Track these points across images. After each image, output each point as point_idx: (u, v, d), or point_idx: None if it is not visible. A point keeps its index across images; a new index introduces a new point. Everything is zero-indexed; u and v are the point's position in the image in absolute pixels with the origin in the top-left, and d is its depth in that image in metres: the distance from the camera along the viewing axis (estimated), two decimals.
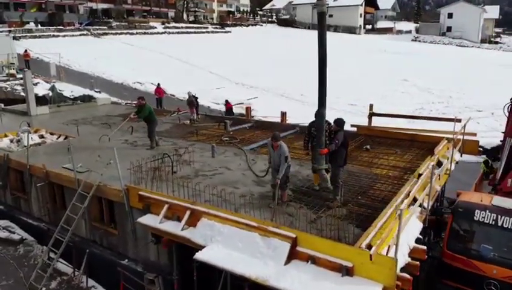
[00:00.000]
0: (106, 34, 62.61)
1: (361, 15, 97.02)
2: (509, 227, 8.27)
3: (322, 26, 7.82)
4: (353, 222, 7.70)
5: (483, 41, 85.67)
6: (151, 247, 9.41)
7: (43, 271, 9.99)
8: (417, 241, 7.85)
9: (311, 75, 45.23)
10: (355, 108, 31.17)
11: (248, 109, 20.35)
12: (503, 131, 14.06)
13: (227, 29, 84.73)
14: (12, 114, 20.66)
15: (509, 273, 8.17)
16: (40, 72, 32.62)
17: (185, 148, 13.18)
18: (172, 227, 8.27)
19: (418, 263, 6.99)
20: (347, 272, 6.31)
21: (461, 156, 13.46)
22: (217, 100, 31.49)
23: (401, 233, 6.42)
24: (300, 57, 53.33)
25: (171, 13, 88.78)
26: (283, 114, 18.21)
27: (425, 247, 7.51)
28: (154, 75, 37.19)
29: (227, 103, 24.00)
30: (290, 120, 19.97)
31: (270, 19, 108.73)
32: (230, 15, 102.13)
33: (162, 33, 70.41)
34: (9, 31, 49.50)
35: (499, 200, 8.77)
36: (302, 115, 24.98)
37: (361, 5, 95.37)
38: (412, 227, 7.80)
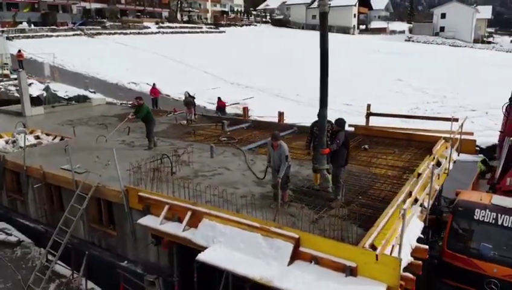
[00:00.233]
0: (100, 34, 62.23)
1: (355, 15, 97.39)
2: (509, 226, 8.31)
3: (324, 26, 7.81)
4: (355, 222, 7.69)
5: (476, 41, 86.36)
6: (151, 248, 9.33)
7: (41, 273, 9.88)
8: (418, 240, 7.89)
9: (305, 75, 45.47)
10: (351, 108, 31.24)
11: (245, 109, 20.29)
12: (500, 130, 14.17)
13: (221, 29, 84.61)
14: (6, 115, 20.48)
15: (509, 272, 8.20)
16: (34, 73, 32.30)
17: (183, 148, 13.12)
18: (173, 228, 8.21)
19: (420, 262, 7.01)
20: (351, 272, 6.29)
21: (458, 155, 13.54)
22: (213, 100, 31.30)
23: (404, 233, 6.45)
24: (294, 57, 53.49)
25: (165, 13, 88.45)
26: (280, 114, 18.16)
27: (427, 246, 7.53)
28: (148, 75, 37.03)
29: (219, 100, 23.75)
30: (286, 120, 19.95)
31: (264, 19, 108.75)
32: (224, 15, 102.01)
33: (156, 33, 70.13)
34: (2, 31, 48.96)
35: (499, 199, 8.81)
36: (299, 115, 25.06)
37: (355, 5, 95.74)
38: (414, 226, 7.83)
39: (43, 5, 64.59)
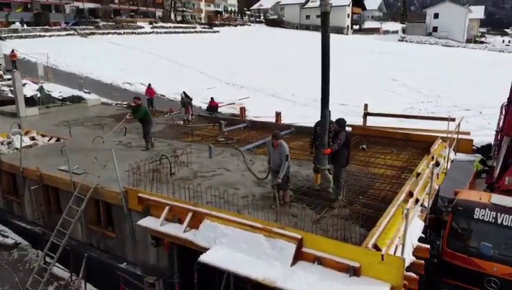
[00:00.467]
0: (93, 34, 61.86)
1: (348, 15, 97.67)
2: (509, 225, 8.37)
3: (325, 26, 7.79)
4: (357, 222, 7.69)
5: (468, 41, 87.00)
6: (151, 250, 9.27)
7: (39, 276, 9.78)
8: (419, 240, 7.92)
9: (300, 75, 45.56)
10: (346, 108, 31.29)
11: (242, 109, 20.25)
12: (496, 130, 14.28)
13: (215, 29, 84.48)
14: (0, 116, 20.25)
15: (509, 270, 8.26)
16: (27, 73, 31.96)
17: (182, 149, 13.05)
18: (174, 229, 8.16)
19: (422, 262, 7.03)
20: (354, 272, 6.29)
21: (455, 154, 13.62)
22: (208, 100, 31.30)
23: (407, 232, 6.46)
24: (288, 57, 53.59)
25: (159, 13, 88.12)
26: (278, 114, 18.15)
27: (428, 246, 7.56)
28: (143, 75, 36.87)
29: (212, 101, 23.60)
30: (283, 120, 19.94)
31: (258, 19, 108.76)
32: (218, 15, 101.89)
33: (150, 33, 69.88)
34: None
35: (498, 198, 8.87)
36: (295, 115, 25.11)
37: (349, 5, 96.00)
38: (415, 226, 7.85)
39: (36, 4, 64.07)
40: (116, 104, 25.60)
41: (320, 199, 9.05)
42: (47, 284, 9.96)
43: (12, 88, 23.39)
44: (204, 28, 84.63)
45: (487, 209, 8.63)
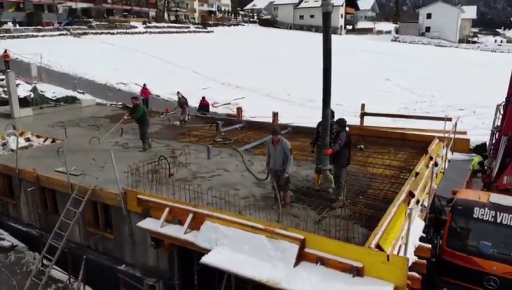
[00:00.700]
0: (86, 33, 61.46)
1: (342, 15, 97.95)
2: (508, 224, 8.42)
3: (327, 27, 7.78)
4: (358, 222, 7.70)
5: (461, 41, 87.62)
6: (150, 251, 9.21)
7: (37, 279, 9.67)
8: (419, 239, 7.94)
9: (294, 75, 45.45)
10: (341, 108, 31.33)
11: (239, 110, 20.21)
12: (492, 129, 14.38)
13: (209, 29, 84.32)
14: None
15: (508, 269, 8.32)
16: (20, 73, 31.60)
17: (179, 149, 12.99)
18: (175, 231, 8.11)
19: (425, 261, 7.06)
20: (357, 272, 6.29)
21: (452, 154, 13.69)
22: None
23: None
24: (282, 57, 53.64)
25: (152, 13, 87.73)
26: (275, 114, 18.15)
27: (430, 245, 7.58)
28: (137, 75, 36.72)
29: (203, 99, 23.41)
30: (279, 120, 19.92)
31: (251, 19, 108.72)
32: (212, 15, 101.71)
33: (144, 33, 69.55)
34: None
35: (497, 198, 8.93)
36: (291, 115, 25.11)
37: (342, 5, 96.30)
38: (416, 226, 7.86)
39: (29, 4, 63.52)
40: (111, 104, 25.41)
41: (320, 199, 9.05)
42: (45, 287, 9.85)
43: (5, 89, 23.15)
44: (198, 27, 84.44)
45: (486, 209, 8.68)
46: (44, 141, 15.45)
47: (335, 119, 8.59)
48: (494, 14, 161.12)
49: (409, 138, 14.43)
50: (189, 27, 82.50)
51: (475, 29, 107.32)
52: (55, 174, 10.95)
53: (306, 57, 54.84)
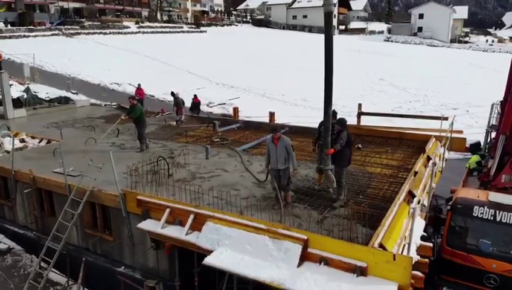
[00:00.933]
0: (79, 33, 60.99)
1: (335, 16, 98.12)
2: (508, 222, 8.47)
3: (328, 26, 7.78)
4: (360, 222, 7.70)
5: (452, 41, 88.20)
6: (150, 253, 9.15)
7: (35, 281, 9.55)
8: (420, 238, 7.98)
9: (289, 75, 45.31)
10: (336, 108, 31.22)
11: (235, 110, 20.17)
12: (487, 128, 14.51)
13: (202, 29, 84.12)
14: None
15: (508, 267, 8.37)
16: (13, 74, 31.28)
17: (177, 150, 12.93)
18: (176, 232, 8.06)
19: (427, 260, 7.08)
20: (361, 272, 6.30)
21: (449, 153, 13.79)
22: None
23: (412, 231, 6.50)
24: (277, 57, 53.65)
25: (145, 13, 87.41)
26: (272, 114, 18.13)
27: (431, 244, 7.62)
28: (131, 75, 36.49)
29: (195, 97, 23.23)
30: (276, 120, 19.90)
31: (244, 19, 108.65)
32: (205, 15, 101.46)
33: (136, 33, 69.19)
34: None
35: (496, 196, 8.97)
36: (287, 115, 25.07)
37: (335, 5, 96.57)
38: (417, 225, 7.89)
39: (20, 4, 62.94)
40: (105, 105, 25.21)
41: (321, 199, 9.04)
42: None
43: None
44: (191, 27, 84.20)
45: (486, 207, 8.72)
46: (39, 142, 15.29)
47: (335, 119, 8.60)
48: (484, 14, 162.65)
49: (406, 137, 14.50)
50: (182, 27, 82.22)
51: (466, 29, 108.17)
52: (52, 175, 10.85)
53: (300, 57, 54.99)
